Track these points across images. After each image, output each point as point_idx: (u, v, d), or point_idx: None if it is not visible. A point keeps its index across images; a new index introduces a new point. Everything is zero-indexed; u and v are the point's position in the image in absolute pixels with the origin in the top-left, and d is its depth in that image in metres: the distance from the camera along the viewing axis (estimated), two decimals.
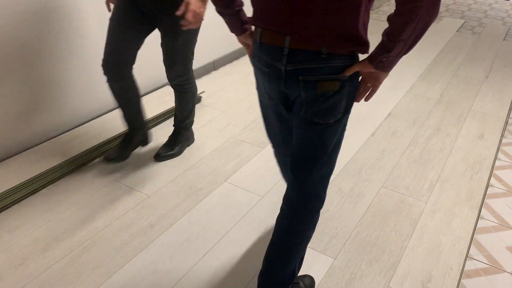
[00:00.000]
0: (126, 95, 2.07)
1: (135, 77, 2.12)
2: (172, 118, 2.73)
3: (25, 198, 2.03)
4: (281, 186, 2.17)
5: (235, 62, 3.68)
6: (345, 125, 1.29)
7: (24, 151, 2.28)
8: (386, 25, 4.82)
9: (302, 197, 1.34)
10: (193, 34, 2.00)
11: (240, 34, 1.34)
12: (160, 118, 2.68)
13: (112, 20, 1.91)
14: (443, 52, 4.08)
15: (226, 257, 1.76)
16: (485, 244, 1.89)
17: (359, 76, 1.22)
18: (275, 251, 1.39)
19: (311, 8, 1.08)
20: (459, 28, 4.78)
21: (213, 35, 3.39)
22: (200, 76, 3.38)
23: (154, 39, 2.72)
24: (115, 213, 1.96)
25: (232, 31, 1.35)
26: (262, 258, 1.76)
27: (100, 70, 2.53)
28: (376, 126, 2.76)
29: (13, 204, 1.98)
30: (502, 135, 2.72)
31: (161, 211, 1.99)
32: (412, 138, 2.64)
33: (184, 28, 1.72)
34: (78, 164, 2.23)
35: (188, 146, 2.45)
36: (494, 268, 1.77)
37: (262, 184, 2.19)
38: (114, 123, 2.55)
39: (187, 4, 1.66)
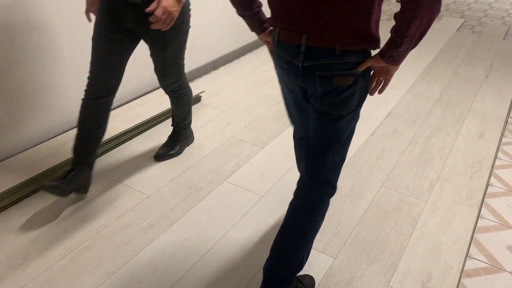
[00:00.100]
0: (97, 117, 1.89)
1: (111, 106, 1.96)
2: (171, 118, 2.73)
3: (25, 198, 2.03)
4: (281, 186, 2.17)
5: (235, 62, 3.68)
6: (358, 116, 1.37)
7: (24, 151, 2.28)
8: (384, 23, 4.82)
9: (315, 181, 1.41)
10: (183, 40, 1.93)
11: (260, 33, 1.43)
12: (159, 118, 2.68)
13: (95, 40, 1.80)
14: (443, 51, 4.08)
15: (226, 257, 1.76)
16: (485, 243, 1.89)
17: (371, 71, 1.31)
18: (285, 235, 1.41)
19: (326, 8, 1.17)
20: (459, 28, 4.78)
21: (213, 35, 3.39)
22: (200, 75, 3.38)
23: None
24: (115, 213, 1.96)
25: (252, 30, 1.44)
26: (262, 258, 1.76)
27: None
28: (376, 125, 2.76)
29: (13, 204, 1.98)
30: (502, 135, 2.72)
31: (161, 211, 1.99)
32: (412, 137, 2.64)
33: (152, 27, 1.59)
34: None
35: (188, 145, 2.45)
36: (494, 267, 1.77)
37: (262, 184, 2.19)
38: (113, 123, 2.55)
39: (159, 1, 1.56)
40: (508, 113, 2.97)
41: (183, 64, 2.05)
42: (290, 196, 2.10)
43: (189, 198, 2.07)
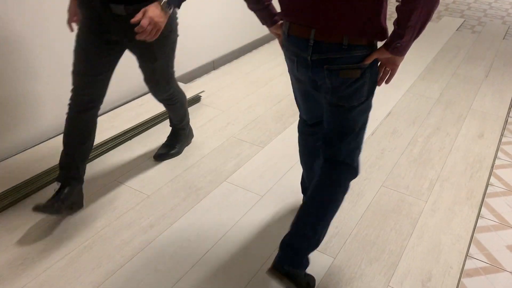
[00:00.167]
0: (83, 131, 1.84)
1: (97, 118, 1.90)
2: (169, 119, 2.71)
3: (25, 198, 2.03)
4: (281, 186, 2.17)
5: (235, 62, 3.68)
6: (370, 106, 1.44)
7: (23, 151, 2.28)
8: None
9: (334, 164, 1.51)
10: (172, 50, 1.87)
11: (271, 26, 1.51)
12: (159, 118, 2.68)
13: (77, 52, 1.72)
14: (443, 51, 4.08)
15: (226, 256, 1.76)
16: (485, 243, 1.89)
17: (378, 62, 1.37)
18: (305, 212, 1.47)
19: (335, 3, 1.22)
20: (459, 27, 4.78)
21: (213, 35, 3.39)
22: (199, 75, 3.38)
23: None
24: (115, 213, 1.96)
25: (263, 23, 1.51)
26: (262, 258, 1.76)
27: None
28: (376, 125, 2.76)
29: (13, 204, 1.98)
30: (502, 134, 2.72)
31: (161, 211, 1.99)
32: (412, 137, 2.64)
33: (138, 38, 1.53)
34: None
35: (188, 144, 2.45)
36: (494, 267, 1.77)
37: (262, 184, 2.19)
38: (113, 123, 2.55)
39: (145, 11, 1.50)
40: (508, 113, 2.97)
41: (173, 73, 1.99)
42: (290, 196, 2.10)
43: (189, 198, 2.07)
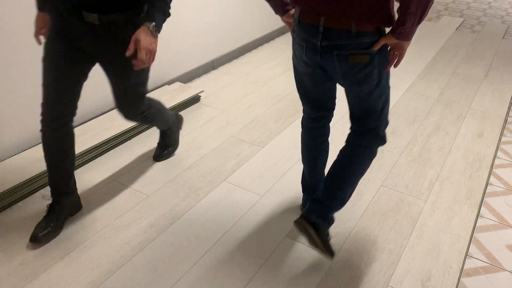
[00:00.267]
0: (62, 147, 1.76)
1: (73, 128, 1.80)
2: None
3: (25, 198, 2.03)
4: (281, 186, 2.17)
5: (234, 62, 3.68)
6: (388, 88, 1.51)
7: (23, 151, 2.28)
8: None
9: (361, 133, 1.61)
10: (147, 69, 1.75)
11: (283, 15, 1.58)
12: None
13: (46, 61, 1.62)
14: (442, 50, 4.08)
15: (226, 256, 1.76)
16: (484, 242, 1.89)
17: (388, 47, 1.43)
18: (334, 173, 1.60)
19: None
20: (458, 27, 4.78)
21: (212, 35, 3.39)
22: (199, 75, 3.38)
23: None
24: (115, 213, 1.96)
25: (276, 13, 1.59)
26: (262, 258, 1.76)
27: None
28: None
29: (13, 204, 1.98)
30: (502, 134, 2.72)
31: (160, 211, 1.99)
32: (411, 136, 2.64)
33: (136, 68, 1.52)
34: (77, 164, 2.23)
35: (180, 128, 2.35)
36: (494, 266, 1.77)
37: (261, 184, 2.19)
38: (113, 123, 2.55)
39: (137, 42, 1.46)
40: (508, 112, 2.97)
41: (146, 92, 1.84)
42: (290, 196, 2.11)
43: (188, 198, 2.07)
